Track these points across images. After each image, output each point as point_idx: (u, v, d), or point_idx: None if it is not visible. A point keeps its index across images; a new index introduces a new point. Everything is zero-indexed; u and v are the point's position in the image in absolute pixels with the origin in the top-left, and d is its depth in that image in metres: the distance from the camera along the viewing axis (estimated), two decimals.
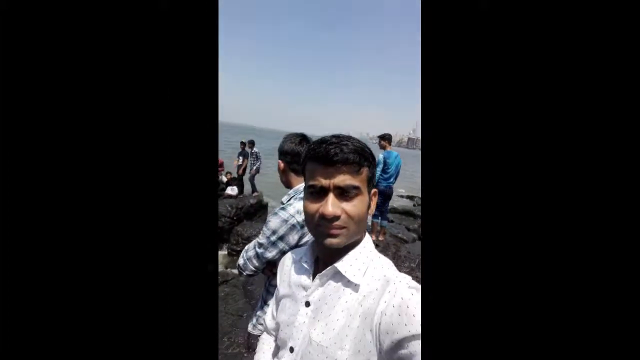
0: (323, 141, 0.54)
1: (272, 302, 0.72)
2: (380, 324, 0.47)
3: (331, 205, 0.51)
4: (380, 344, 0.47)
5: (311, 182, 0.54)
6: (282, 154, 1.19)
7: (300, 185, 1.17)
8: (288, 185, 1.21)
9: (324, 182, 0.52)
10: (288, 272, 0.66)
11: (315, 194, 0.53)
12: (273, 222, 1.04)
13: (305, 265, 0.62)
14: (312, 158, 0.54)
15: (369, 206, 0.56)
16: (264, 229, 1.07)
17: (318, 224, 0.53)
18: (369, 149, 0.56)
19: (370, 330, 0.48)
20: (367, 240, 0.59)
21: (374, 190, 0.58)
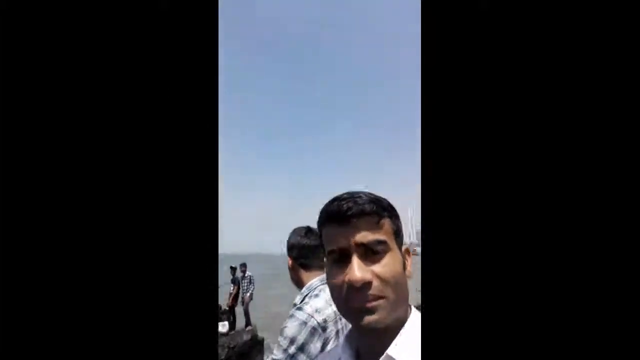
0: (335, 199, 0.48)
1: None
2: None
3: (357, 268, 0.43)
4: None
5: (329, 248, 0.47)
6: (289, 249, 1.09)
7: (313, 281, 1.04)
8: (299, 283, 1.09)
9: (343, 242, 0.45)
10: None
11: (338, 261, 0.46)
12: (289, 327, 0.88)
13: None
14: (326, 220, 0.48)
15: (404, 266, 0.47)
16: (280, 339, 0.88)
17: (348, 298, 0.44)
18: (386, 200, 0.50)
19: None
20: (416, 315, 0.48)
21: (405, 247, 0.49)
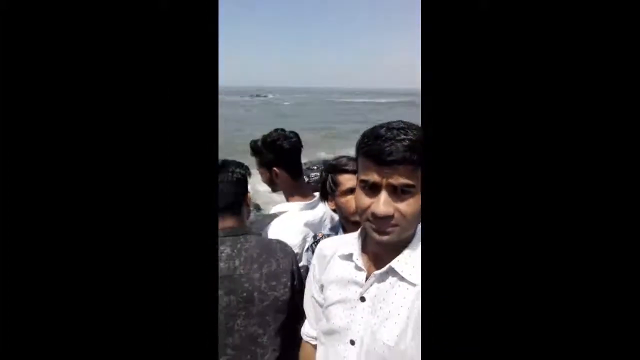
0: (377, 136, 0.50)
1: (309, 305, 0.71)
2: None
3: (383, 204, 0.49)
4: None
5: (363, 177, 0.51)
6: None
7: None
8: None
9: (377, 179, 0.50)
10: (330, 265, 0.64)
11: (368, 188, 0.51)
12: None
13: (358, 261, 0.59)
14: (365, 154, 0.51)
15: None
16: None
17: (369, 220, 0.52)
18: (421, 138, 0.51)
19: None
20: (420, 235, 0.57)
21: None
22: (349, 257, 0.61)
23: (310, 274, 0.71)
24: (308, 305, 0.71)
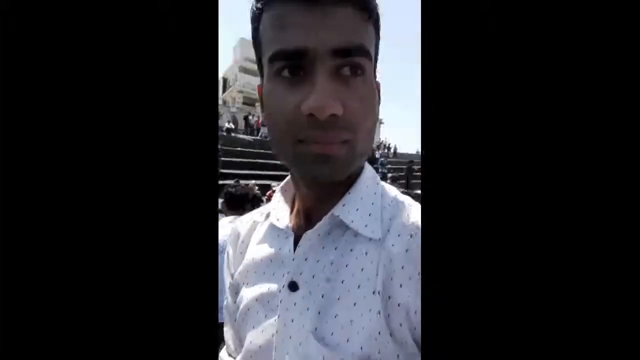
0: None
1: (226, 320, 0.43)
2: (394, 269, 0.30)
3: (324, 92, 0.27)
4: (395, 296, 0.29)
5: (277, 47, 0.29)
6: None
7: None
8: None
9: (305, 41, 0.27)
10: (247, 246, 0.40)
11: (288, 72, 0.29)
12: None
13: (279, 223, 0.36)
14: None
15: (378, 100, 0.33)
16: None
17: (301, 136, 0.29)
18: None
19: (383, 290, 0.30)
20: (369, 168, 0.38)
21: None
22: (268, 220, 0.39)
23: (223, 270, 0.44)
24: (225, 320, 0.43)
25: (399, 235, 0.32)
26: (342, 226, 0.33)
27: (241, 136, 13.08)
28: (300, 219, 0.36)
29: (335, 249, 0.33)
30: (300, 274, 0.33)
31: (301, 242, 0.33)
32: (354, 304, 0.30)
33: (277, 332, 0.32)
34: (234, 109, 16.56)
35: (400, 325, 0.30)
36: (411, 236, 0.31)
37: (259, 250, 0.37)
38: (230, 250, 0.42)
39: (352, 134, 0.29)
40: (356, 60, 0.28)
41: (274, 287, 0.34)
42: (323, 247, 0.33)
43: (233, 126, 13.27)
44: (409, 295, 0.30)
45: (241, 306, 0.35)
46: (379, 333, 0.29)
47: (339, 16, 0.27)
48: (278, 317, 0.33)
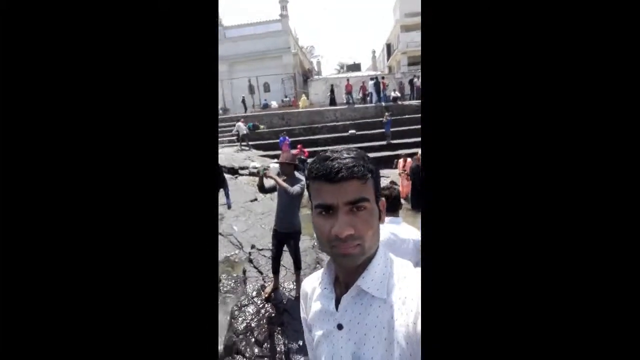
0: (324, 158, 0.54)
1: (309, 349, 0.69)
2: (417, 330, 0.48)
3: (343, 224, 0.50)
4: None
5: (318, 202, 0.53)
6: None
7: None
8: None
9: (331, 200, 0.51)
10: (311, 301, 0.65)
11: (325, 212, 0.53)
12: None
13: (326, 291, 0.61)
14: (316, 177, 0.53)
15: (379, 217, 0.56)
16: None
17: (333, 245, 0.52)
18: (368, 157, 0.56)
19: (407, 339, 0.49)
20: (383, 250, 0.58)
21: (382, 199, 0.57)
22: (318, 286, 0.63)
23: (302, 315, 0.71)
24: (308, 348, 0.70)
25: (400, 289, 0.55)
26: (362, 290, 0.55)
27: (407, 102, 12.81)
28: (341, 285, 0.60)
29: (361, 304, 0.56)
30: (343, 319, 0.56)
31: (342, 300, 0.57)
32: (373, 337, 0.53)
33: (334, 354, 0.57)
34: (398, 75, 16.16)
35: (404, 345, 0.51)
36: (406, 297, 0.53)
37: (317, 304, 0.63)
38: (302, 302, 0.70)
39: (361, 241, 0.52)
40: (359, 204, 0.51)
41: (329, 327, 0.58)
42: (355, 303, 0.56)
43: (399, 94, 13.16)
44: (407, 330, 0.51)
45: (315, 339, 0.62)
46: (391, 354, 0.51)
47: (348, 185, 0.51)
48: (333, 345, 0.57)
